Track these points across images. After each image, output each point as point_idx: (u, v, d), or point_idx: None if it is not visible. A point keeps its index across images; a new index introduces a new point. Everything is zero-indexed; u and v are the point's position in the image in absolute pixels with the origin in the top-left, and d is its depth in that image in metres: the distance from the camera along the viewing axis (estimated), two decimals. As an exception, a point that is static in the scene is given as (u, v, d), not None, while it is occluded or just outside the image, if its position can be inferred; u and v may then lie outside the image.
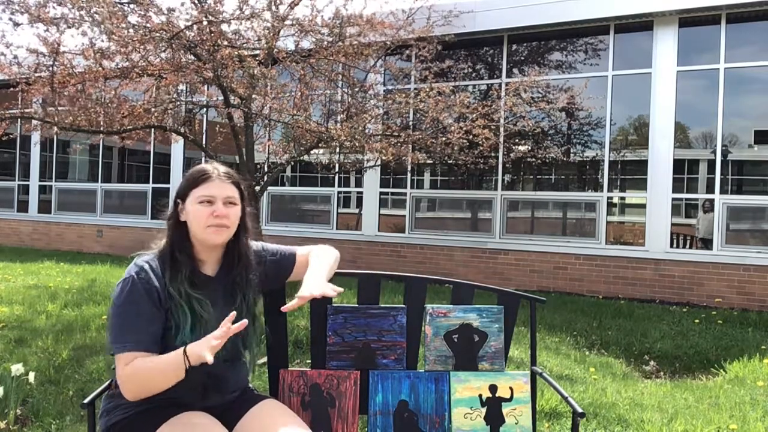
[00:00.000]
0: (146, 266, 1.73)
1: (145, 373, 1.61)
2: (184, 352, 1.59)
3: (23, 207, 13.93)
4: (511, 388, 2.11)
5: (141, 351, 1.64)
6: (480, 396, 2.11)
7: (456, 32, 8.45)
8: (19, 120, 8.31)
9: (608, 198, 8.69)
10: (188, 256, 1.79)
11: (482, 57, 9.83)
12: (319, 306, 2.17)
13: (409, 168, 9.61)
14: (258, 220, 6.62)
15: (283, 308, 1.83)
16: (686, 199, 8.29)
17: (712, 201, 8.01)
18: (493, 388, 2.11)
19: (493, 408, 2.10)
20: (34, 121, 7.47)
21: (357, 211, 10.38)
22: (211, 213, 1.76)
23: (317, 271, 1.89)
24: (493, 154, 8.86)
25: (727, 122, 8.00)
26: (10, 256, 10.79)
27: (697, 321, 6.64)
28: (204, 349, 1.56)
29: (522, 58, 9.46)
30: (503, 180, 9.32)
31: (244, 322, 1.62)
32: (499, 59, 9.47)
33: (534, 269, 8.93)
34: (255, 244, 1.98)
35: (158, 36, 5.20)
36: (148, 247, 1.86)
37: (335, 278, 2.21)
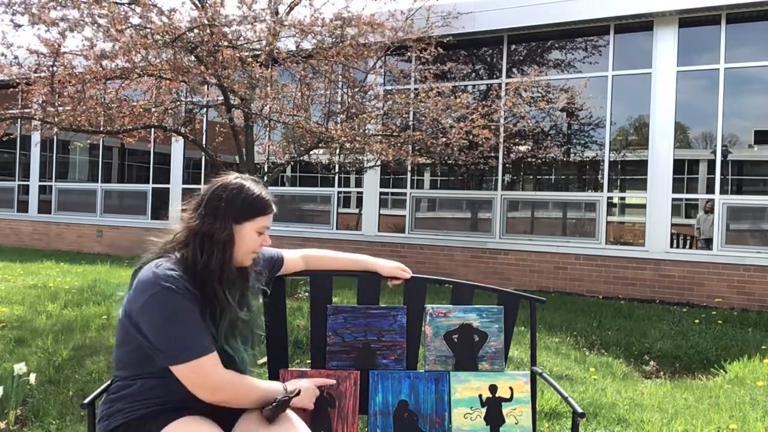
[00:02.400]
0: (177, 277, 1.66)
1: (247, 388, 1.71)
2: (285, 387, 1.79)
3: (23, 207, 13.93)
4: (511, 388, 2.11)
5: (213, 353, 1.65)
6: (480, 396, 2.11)
7: (455, 33, 8.45)
8: (19, 120, 8.32)
9: (608, 198, 8.69)
10: (220, 282, 1.74)
11: (482, 57, 9.83)
12: (319, 306, 2.18)
13: (409, 168, 9.61)
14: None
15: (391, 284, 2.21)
16: (686, 199, 8.29)
17: (712, 201, 8.01)
18: (493, 388, 2.11)
19: (493, 408, 2.10)
20: (34, 122, 7.47)
21: (357, 211, 10.38)
22: (261, 243, 1.84)
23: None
24: (493, 155, 8.86)
25: (727, 122, 8.00)
26: (10, 256, 10.79)
27: (697, 321, 6.64)
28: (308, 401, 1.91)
29: (522, 58, 9.46)
30: (503, 180, 9.33)
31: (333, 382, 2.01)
32: (499, 59, 9.47)
33: (534, 269, 8.94)
34: None
35: (161, 39, 5.20)
36: (148, 247, 1.82)
37: (337, 280, 2.22)
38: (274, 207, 1.86)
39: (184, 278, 1.66)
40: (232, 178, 1.85)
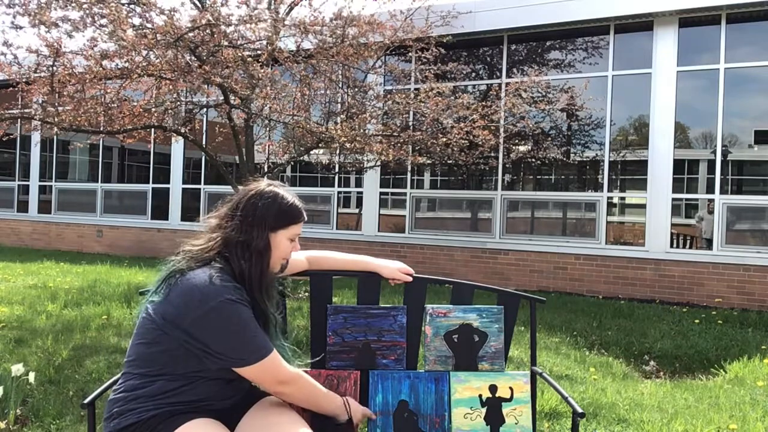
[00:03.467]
0: (232, 287, 1.70)
1: (311, 389, 1.83)
2: (347, 402, 1.94)
3: (23, 207, 13.93)
4: (511, 388, 2.11)
5: (275, 349, 1.75)
6: (480, 396, 2.11)
7: (455, 32, 8.45)
8: (19, 120, 8.32)
9: (608, 198, 8.69)
10: (260, 290, 1.80)
11: (482, 57, 9.83)
12: (319, 306, 2.18)
13: (409, 168, 9.61)
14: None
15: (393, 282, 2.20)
16: (686, 199, 8.29)
17: (712, 201, 8.01)
18: (493, 388, 2.11)
19: (493, 408, 2.10)
20: (34, 122, 7.47)
21: (357, 211, 10.38)
22: (292, 249, 1.89)
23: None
24: (493, 155, 8.87)
25: (727, 122, 8.00)
26: (10, 256, 10.79)
27: (697, 321, 6.64)
28: (361, 412, 1.97)
29: (522, 58, 9.46)
30: (503, 180, 9.33)
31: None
32: (499, 59, 9.47)
33: (534, 269, 8.94)
34: None
35: (162, 39, 5.20)
36: (190, 251, 1.78)
37: (337, 280, 2.22)
38: (304, 213, 1.91)
39: (238, 287, 1.72)
40: (265, 185, 1.86)
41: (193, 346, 1.65)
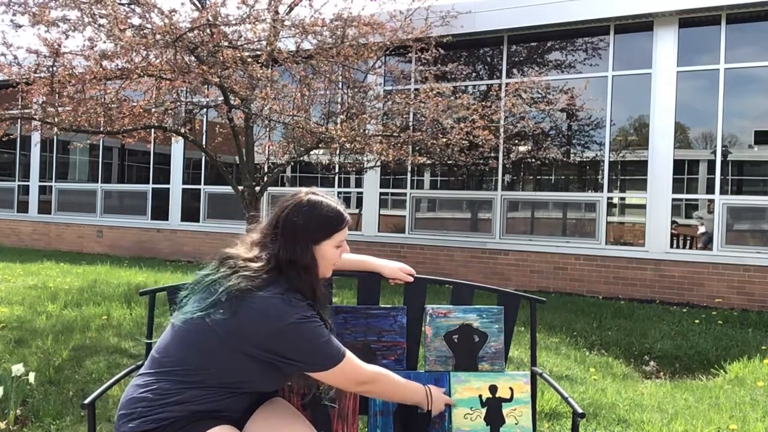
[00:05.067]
0: (307, 306, 1.75)
1: (393, 384, 1.89)
2: (429, 391, 1.98)
3: (23, 207, 13.93)
4: (511, 389, 2.11)
5: (349, 354, 1.79)
6: (480, 396, 2.10)
7: (455, 33, 8.44)
8: (19, 120, 8.32)
9: (608, 198, 8.69)
10: (315, 300, 1.81)
11: (482, 57, 9.83)
12: (319, 306, 2.18)
13: (409, 168, 9.61)
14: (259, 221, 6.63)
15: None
16: (686, 200, 8.29)
17: (712, 201, 8.01)
18: (493, 389, 2.11)
19: (493, 408, 2.10)
20: (34, 122, 7.47)
21: (357, 211, 10.38)
22: (340, 253, 1.89)
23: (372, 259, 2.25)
24: (493, 155, 8.86)
25: (727, 122, 8.00)
26: (10, 257, 10.79)
27: (697, 321, 6.64)
28: (443, 402, 2.02)
29: (522, 58, 9.46)
30: (503, 180, 9.33)
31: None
32: (499, 60, 9.47)
33: (534, 269, 8.93)
34: None
35: (162, 40, 5.20)
36: (231, 256, 1.78)
37: (337, 280, 2.22)
38: (347, 217, 1.88)
39: (310, 304, 1.76)
40: (303, 196, 1.83)
41: (275, 360, 1.70)
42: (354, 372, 1.78)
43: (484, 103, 7.74)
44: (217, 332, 1.67)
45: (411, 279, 2.21)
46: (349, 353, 1.78)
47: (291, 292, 1.73)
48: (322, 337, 1.72)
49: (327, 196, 1.86)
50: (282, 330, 1.66)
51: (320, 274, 1.84)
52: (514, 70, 9.36)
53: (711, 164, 8.10)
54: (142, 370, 1.77)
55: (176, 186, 11.84)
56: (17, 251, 12.21)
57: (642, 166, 8.46)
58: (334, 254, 1.85)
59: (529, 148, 9.26)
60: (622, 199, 8.95)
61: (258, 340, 1.67)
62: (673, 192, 8.19)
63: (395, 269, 2.21)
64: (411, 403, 1.97)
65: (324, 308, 1.84)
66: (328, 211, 1.82)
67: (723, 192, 7.98)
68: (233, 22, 5.61)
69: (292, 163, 9.05)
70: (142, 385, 1.71)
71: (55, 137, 11.90)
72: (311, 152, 7.61)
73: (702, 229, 8.13)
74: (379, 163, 8.13)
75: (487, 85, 9.50)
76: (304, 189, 1.88)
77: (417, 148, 7.85)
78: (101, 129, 6.94)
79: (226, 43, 5.60)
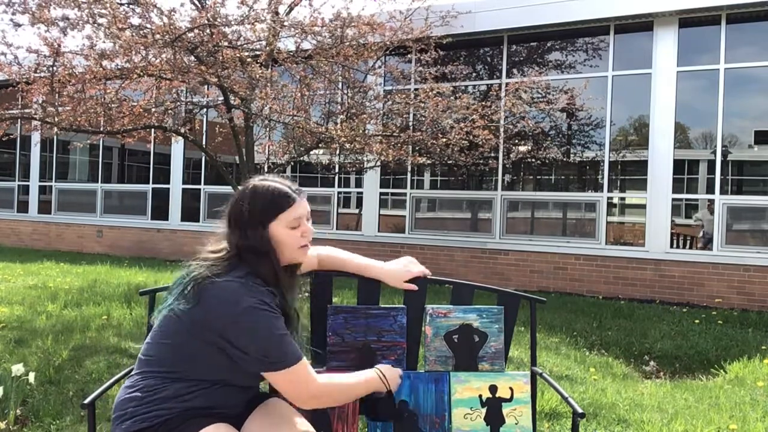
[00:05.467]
0: (266, 295, 1.71)
1: (346, 390, 1.83)
2: (381, 373, 1.91)
3: (23, 207, 13.93)
4: (511, 389, 2.11)
5: (304, 358, 1.72)
6: (480, 396, 2.10)
7: (455, 33, 8.44)
8: (19, 120, 8.32)
9: (608, 198, 8.69)
10: (277, 287, 1.77)
11: (482, 57, 9.83)
12: (320, 306, 2.17)
13: (409, 168, 9.61)
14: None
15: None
16: (686, 200, 8.29)
17: (712, 201, 8.01)
18: (493, 389, 2.11)
19: (493, 408, 2.10)
20: (34, 122, 7.47)
21: (357, 211, 10.38)
22: (302, 233, 1.80)
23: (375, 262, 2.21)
24: (493, 155, 8.86)
25: (727, 122, 8.00)
26: (10, 257, 10.79)
27: (697, 321, 6.64)
28: (397, 377, 1.95)
29: (522, 58, 9.46)
30: (503, 180, 9.32)
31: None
32: (499, 60, 9.47)
33: (534, 269, 8.93)
34: None
35: (161, 39, 5.20)
36: (204, 258, 1.77)
37: (337, 279, 2.22)
38: (295, 196, 1.80)
39: (271, 291, 1.72)
40: (250, 182, 1.83)
41: (227, 348, 1.67)
42: (307, 381, 1.70)
43: (484, 103, 7.73)
44: (185, 323, 1.69)
45: (415, 288, 2.16)
46: (305, 360, 1.71)
47: (251, 276, 1.71)
48: (279, 329, 1.67)
49: (275, 179, 1.84)
50: (238, 314, 1.63)
51: (284, 259, 1.79)
52: (514, 70, 9.36)
53: (711, 164, 8.10)
54: (132, 373, 1.80)
55: (176, 186, 11.84)
56: (17, 251, 12.21)
57: (642, 166, 8.46)
58: (289, 236, 1.77)
59: (529, 148, 9.26)
60: (622, 199, 8.95)
61: (218, 327, 1.65)
62: (673, 192, 8.19)
63: (398, 279, 2.16)
64: (369, 393, 1.91)
65: (291, 299, 1.79)
66: (273, 191, 1.79)
67: (723, 192, 7.98)
68: (233, 22, 5.61)
69: (292, 163, 9.05)
70: (131, 385, 1.74)
71: (55, 137, 11.90)
72: (311, 152, 7.60)
73: (702, 230, 8.13)
74: (379, 163, 8.13)
75: (487, 85, 9.50)
76: (257, 176, 1.88)
77: (417, 148, 7.85)
78: (101, 129, 6.94)
79: (225, 43, 5.59)
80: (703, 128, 8.26)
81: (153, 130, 7.93)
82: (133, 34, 5.32)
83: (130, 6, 5.56)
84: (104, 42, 5.61)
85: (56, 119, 6.31)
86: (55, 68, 5.95)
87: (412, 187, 9.97)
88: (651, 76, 8.34)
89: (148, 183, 12.32)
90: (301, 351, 1.72)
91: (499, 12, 8.94)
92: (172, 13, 5.31)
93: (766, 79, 7.89)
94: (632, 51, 8.61)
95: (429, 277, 2.23)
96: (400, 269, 2.19)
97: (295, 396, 1.72)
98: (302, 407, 1.77)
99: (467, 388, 2.11)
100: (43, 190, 13.71)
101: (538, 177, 9.39)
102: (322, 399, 1.76)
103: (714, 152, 8.06)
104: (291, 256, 1.80)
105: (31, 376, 3.26)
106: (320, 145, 6.81)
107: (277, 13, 6.39)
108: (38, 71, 6.16)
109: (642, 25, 8.42)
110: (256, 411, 1.83)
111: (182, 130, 7.14)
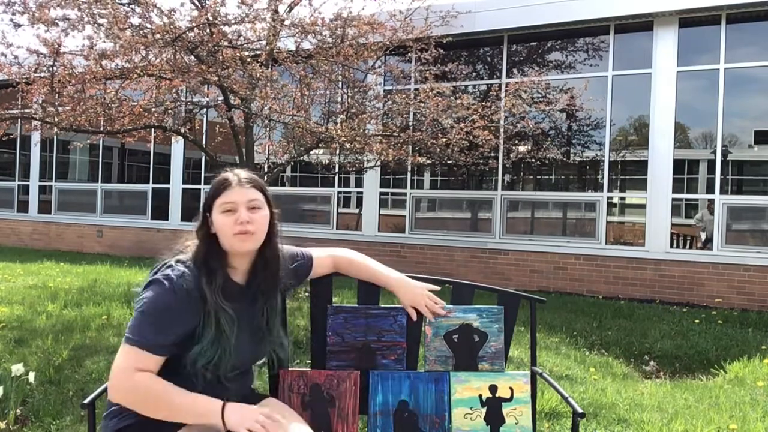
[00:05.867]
0: (186, 273, 1.70)
1: (156, 398, 1.61)
2: (223, 409, 1.60)
3: (23, 207, 13.93)
4: (511, 389, 2.11)
5: (146, 351, 1.63)
6: (480, 396, 2.10)
7: (455, 33, 8.44)
8: (19, 120, 8.32)
9: (608, 198, 8.69)
10: (221, 266, 1.76)
11: (482, 57, 9.83)
12: (320, 306, 2.18)
13: (409, 168, 9.61)
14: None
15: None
16: (686, 200, 8.29)
17: (712, 201, 8.01)
18: (493, 389, 2.11)
19: (493, 408, 2.10)
20: (34, 122, 7.47)
21: (357, 211, 10.38)
22: (235, 220, 1.73)
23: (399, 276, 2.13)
24: (493, 155, 8.86)
25: (727, 122, 8.00)
26: (10, 257, 10.79)
27: (697, 321, 6.64)
28: (246, 424, 1.57)
29: (522, 58, 9.46)
30: (503, 180, 9.32)
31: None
32: (499, 59, 9.47)
33: (534, 269, 8.93)
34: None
35: (161, 39, 5.20)
36: (173, 248, 1.83)
37: (337, 279, 2.22)
38: (232, 182, 1.76)
39: (194, 276, 1.70)
40: None
41: None
42: (125, 369, 1.60)
43: (484, 103, 7.73)
44: None
45: (440, 312, 2.11)
46: (143, 351, 1.60)
47: (191, 260, 1.74)
48: (148, 309, 1.63)
49: (233, 169, 1.85)
50: (141, 292, 1.71)
51: (226, 246, 1.76)
52: (514, 70, 9.36)
53: (711, 164, 8.10)
54: None
55: (176, 186, 11.84)
56: (17, 251, 12.21)
57: (642, 165, 8.46)
58: (223, 222, 1.73)
59: (529, 148, 9.26)
60: (622, 198, 8.95)
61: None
62: (673, 192, 8.19)
63: (417, 296, 2.09)
64: (187, 422, 1.65)
65: (213, 279, 1.71)
66: (217, 179, 1.81)
67: (723, 192, 7.98)
68: (233, 21, 5.61)
69: (292, 163, 9.05)
70: None
71: (55, 137, 11.90)
72: (311, 152, 7.60)
73: (702, 230, 8.13)
74: (379, 163, 8.13)
75: (487, 85, 9.50)
76: None
77: (417, 148, 7.85)
78: (101, 129, 6.94)
79: (225, 43, 5.59)
80: (703, 128, 8.26)
81: (153, 130, 7.93)
82: (134, 33, 5.32)
83: (130, 6, 5.56)
84: (104, 42, 5.61)
85: (56, 119, 6.31)
86: (55, 68, 5.95)
87: (412, 187, 9.97)
88: (651, 76, 8.34)
89: (148, 183, 12.32)
90: (160, 345, 1.63)
91: (499, 12, 8.94)
92: (172, 12, 5.31)
93: (766, 79, 7.89)
94: (632, 51, 8.61)
95: (428, 277, 2.23)
96: (415, 291, 2.11)
97: (111, 376, 1.63)
98: (111, 397, 1.65)
99: (467, 388, 2.11)
100: (43, 189, 13.72)
101: (538, 177, 9.39)
102: (127, 397, 1.62)
103: (714, 152, 8.06)
104: (229, 243, 1.75)
105: (31, 376, 3.26)
106: (320, 144, 6.81)
107: (276, 12, 6.39)
108: (38, 71, 6.16)
109: (642, 25, 8.42)
110: None
111: (182, 130, 7.14)
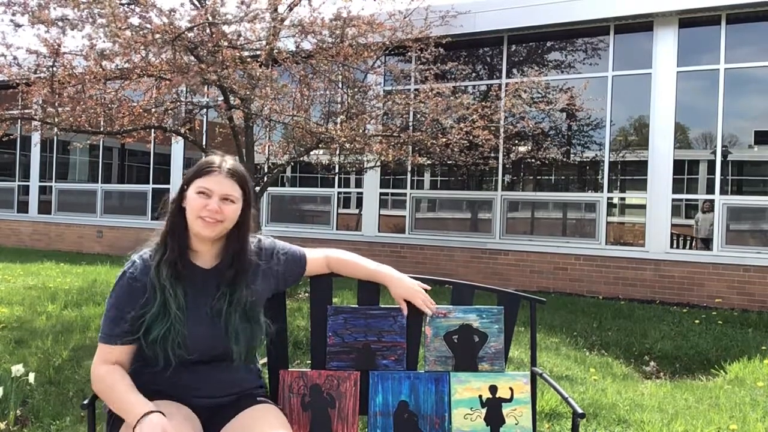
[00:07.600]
0: (138, 260, 1.82)
1: (109, 390, 1.73)
2: (138, 421, 1.59)
3: (23, 207, 13.93)
4: (511, 389, 2.11)
5: (108, 344, 1.78)
6: (480, 397, 2.10)
7: (455, 33, 8.44)
8: (19, 120, 8.32)
9: (608, 198, 8.69)
10: (180, 241, 1.82)
11: (482, 57, 9.83)
12: (320, 307, 2.17)
13: (409, 169, 9.61)
14: (258, 220, 6.63)
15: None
16: (686, 200, 8.29)
17: (712, 201, 8.01)
18: (493, 389, 2.11)
19: (494, 409, 2.09)
20: (34, 122, 7.47)
21: (357, 211, 10.38)
22: (204, 206, 1.78)
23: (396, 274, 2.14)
24: (493, 155, 8.86)
25: (727, 123, 8.00)
26: (10, 257, 10.79)
27: (697, 321, 6.64)
28: None
29: (522, 58, 9.46)
30: (503, 180, 9.32)
31: None
32: (499, 60, 9.47)
33: (534, 270, 8.93)
34: (266, 241, 2.01)
35: (160, 38, 5.20)
36: (148, 243, 1.89)
37: (337, 280, 2.22)
38: (216, 169, 1.81)
39: (146, 262, 1.80)
40: None
41: None
42: (96, 362, 1.79)
43: (483, 103, 7.73)
44: None
45: (434, 309, 2.11)
46: (103, 344, 1.78)
47: (155, 243, 1.83)
48: (106, 307, 1.77)
49: (219, 154, 1.91)
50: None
51: (189, 222, 1.81)
52: (514, 70, 9.36)
53: (711, 164, 8.10)
54: None
55: (176, 186, 11.81)
56: (17, 251, 12.21)
57: (642, 166, 8.45)
58: (195, 201, 1.78)
59: (529, 148, 9.26)
60: (622, 199, 8.95)
61: None
62: (673, 192, 8.19)
63: (411, 290, 2.09)
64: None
65: (166, 258, 1.78)
66: (203, 160, 1.88)
67: (723, 192, 7.98)
68: (232, 20, 5.61)
69: (292, 163, 9.05)
70: None
71: (55, 137, 11.90)
72: (311, 152, 7.60)
73: (701, 231, 8.13)
74: (379, 163, 8.13)
75: (487, 85, 9.50)
76: None
77: (417, 148, 7.85)
78: (101, 129, 6.94)
79: (225, 43, 5.59)
80: (703, 128, 8.26)
81: (153, 130, 7.93)
82: (133, 33, 5.32)
83: (130, 6, 5.56)
84: (104, 42, 5.61)
85: (56, 120, 6.31)
86: (54, 69, 5.95)
87: (412, 188, 9.97)
88: (651, 76, 8.34)
89: (148, 183, 12.32)
90: (115, 335, 1.76)
91: (499, 12, 8.94)
92: (172, 12, 5.31)
93: (766, 79, 7.89)
94: (632, 51, 8.61)
95: (428, 277, 2.22)
96: (409, 285, 2.12)
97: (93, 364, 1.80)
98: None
99: (467, 389, 2.11)
100: (43, 190, 13.71)
101: (538, 177, 9.39)
102: (94, 388, 1.80)
103: (714, 152, 8.06)
104: (192, 222, 1.80)
105: (31, 377, 3.26)
106: (320, 145, 6.81)
107: (276, 11, 6.39)
108: (38, 72, 6.16)
109: (642, 25, 8.42)
110: (239, 415, 1.80)
111: (182, 130, 7.14)
